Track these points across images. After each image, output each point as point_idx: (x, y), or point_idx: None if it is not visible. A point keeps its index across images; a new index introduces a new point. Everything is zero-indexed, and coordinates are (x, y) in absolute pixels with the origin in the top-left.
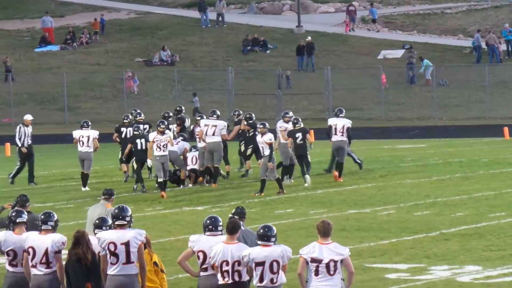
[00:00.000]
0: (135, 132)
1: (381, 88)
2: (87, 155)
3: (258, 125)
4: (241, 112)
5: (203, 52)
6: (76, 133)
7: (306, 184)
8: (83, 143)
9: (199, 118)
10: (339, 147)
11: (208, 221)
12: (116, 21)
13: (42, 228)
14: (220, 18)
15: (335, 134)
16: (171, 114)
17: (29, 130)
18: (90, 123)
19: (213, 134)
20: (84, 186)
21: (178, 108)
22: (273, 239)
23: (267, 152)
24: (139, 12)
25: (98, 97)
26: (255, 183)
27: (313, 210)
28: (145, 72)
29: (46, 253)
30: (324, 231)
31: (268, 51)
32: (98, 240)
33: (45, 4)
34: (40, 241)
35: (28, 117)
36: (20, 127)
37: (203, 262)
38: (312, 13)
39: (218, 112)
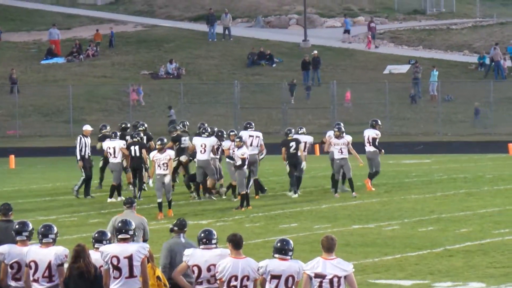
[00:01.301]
0: (134, 139)
1: (387, 103)
2: (114, 166)
3: (235, 139)
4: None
5: (209, 65)
6: (104, 145)
7: (295, 195)
8: (110, 154)
9: (232, 133)
10: (369, 157)
11: (202, 235)
12: (123, 33)
13: (43, 241)
14: (226, 32)
15: (365, 145)
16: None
17: (88, 141)
18: (118, 134)
19: (251, 145)
20: (110, 197)
21: (123, 125)
22: (290, 253)
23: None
24: (146, 25)
25: (103, 109)
26: (260, 198)
27: (318, 225)
28: (151, 85)
29: (49, 266)
30: (328, 246)
31: (274, 65)
32: (101, 253)
33: (52, 17)
34: (43, 254)
35: (88, 128)
36: (80, 138)
37: (198, 276)
38: (319, 27)
39: (253, 125)
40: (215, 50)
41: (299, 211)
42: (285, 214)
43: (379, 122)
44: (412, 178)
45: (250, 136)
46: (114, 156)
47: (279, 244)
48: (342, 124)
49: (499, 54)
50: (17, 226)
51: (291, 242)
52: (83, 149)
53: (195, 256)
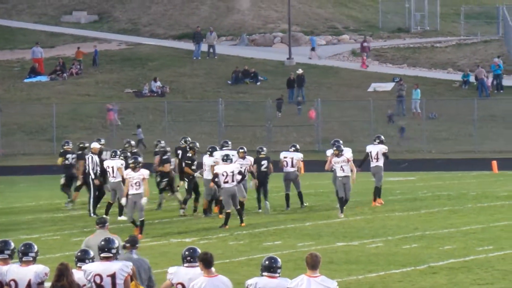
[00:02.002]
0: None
1: (371, 120)
2: (116, 185)
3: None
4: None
5: (193, 84)
6: (105, 163)
7: (265, 211)
8: (109, 174)
9: (242, 150)
10: (375, 172)
11: (186, 253)
12: (107, 52)
13: (23, 259)
14: (211, 50)
15: (371, 160)
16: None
17: (96, 158)
18: (118, 153)
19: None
20: (120, 215)
21: (81, 145)
22: (279, 271)
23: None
24: (130, 43)
25: (87, 128)
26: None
27: (302, 242)
28: (135, 103)
29: (29, 285)
30: (313, 263)
31: (258, 83)
32: (84, 272)
33: (35, 35)
34: (23, 273)
35: (96, 145)
36: (89, 157)
37: None
38: (303, 45)
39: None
40: (199, 68)
41: (283, 228)
42: (269, 232)
43: (380, 137)
44: (396, 195)
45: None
46: (113, 176)
47: (267, 262)
48: (341, 142)
49: (482, 72)
50: (23, 248)
51: (279, 260)
52: (95, 168)
53: (179, 274)
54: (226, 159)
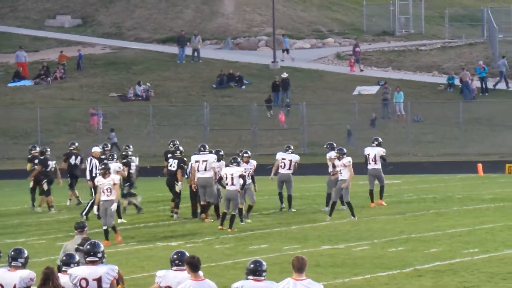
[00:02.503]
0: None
1: (356, 123)
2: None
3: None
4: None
5: (178, 87)
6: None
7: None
8: None
9: (246, 155)
10: (372, 174)
11: (175, 256)
12: (91, 56)
13: (12, 264)
14: (195, 54)
15: (369, 163)
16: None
17: (97, 162)
18: (115, 157)
19: (205, 170)
20: (119, 218)
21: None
22: (264, 274)
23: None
24: (114, 47)
25: (71, 132)
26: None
27: (287, 246)
28: (120, 107)
29: None
30: (299, 266)
31: (243, 87)
32: (70, 276)
33: (19, 39)
34: (9, 278)
35: (97, 149)
36: (91, 159)
37: None
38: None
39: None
40: (184, 72)
41: (268, 232)
42: (254, 235)
43: (379, 139)
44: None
45: (196, 161)
46: None
47: (252, 266)
48: (339, 148)
49: (467, 75)
50: (12, 253)
51: (264, 263)
52: (93, 171)
53: (167, 277)
54: (233, 162)
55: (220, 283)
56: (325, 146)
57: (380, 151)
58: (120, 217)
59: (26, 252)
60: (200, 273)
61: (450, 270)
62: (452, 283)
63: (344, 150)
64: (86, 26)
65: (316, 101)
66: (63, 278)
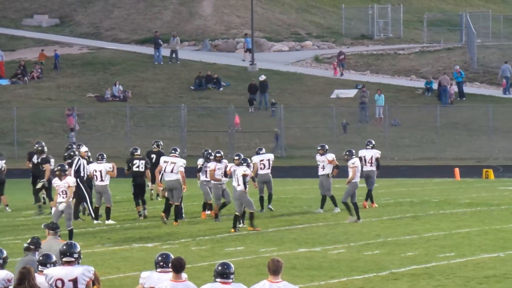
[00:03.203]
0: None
1: (334, 127)
2: (103, 189)
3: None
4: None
5: (155, 88)
6: (91, 167)
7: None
8: (96, 177)
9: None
10: (368, 176)
11: (159, 258)
12: (68, 56)
13: None
14: (173, 55)
15: (365, 164)
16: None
17: (85, 162)
18: (105, 156)
19: (171, 172)
20: (108, 219)
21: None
22: (232, 276)
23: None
24: (92, 48)
25: (48, 132)
26: (205, 220)
27: (264, 248)
28: (97, 107)
29: None
30: (274, 269)
31: (221, 89)
32: (46, 276)
33: None
34: None
35: (84, 149)
36: (78, 159)
37: None
38: (266, 51)
39: (179, 149)
40: (161, 73)
41: (245, 234)
42: (231, 237)
43: (372, 142)
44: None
45: (165, 161)
46: (101, 179)
47: (220, 268)
48: (321, 144)
49: (446, 79)
50: None
51: (232, 265)
52: (80, 171)
53: (151, 279)
54: (243, 162)
55: (196, 285)
56: (344, 154)
57: (376, 153)
58: (108, 218)
59: (5, 252)
60: (183, 275)
61: (426, 274)
62: (428, 287)
63: (327, 146)
64: (64, 26)
65: (294, 104)
66: (39, 278)
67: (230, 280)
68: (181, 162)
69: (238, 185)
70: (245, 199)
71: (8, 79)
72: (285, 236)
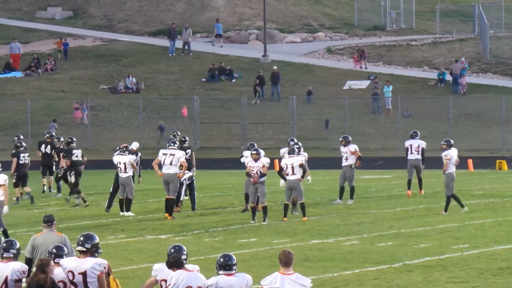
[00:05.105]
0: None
1: (346, 118)
2: (126, 180)
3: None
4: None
5: (168, 80)
6: (115, 159)
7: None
8: (120, 169)
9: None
10: (415, 164)
11: (172, 250)
12: (81, 48)
13: (4, 255)
14: (186, 47)
15: (411, 153)
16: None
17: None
18: (129, 148)
19: (170, 164)
20: (128, 211)
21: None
22: (234, 268)
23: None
24: (105, 40)
25: (61, 124)
26: (218, 211)
27: (277, 239)
28: (110, 99)
29: (5, 281)
30: (285, 260)
31: (233, 80)
32: (62, 267)
33: (10, 31)
34: (1, 269)
35: (136, 145)
36: (136, 155)
37: None
38: (279, 43)
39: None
40: (174, 65)
41: (258, 225)
42: (244, 229)
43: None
44: (371, 193)
45: (163, 154)
46: (125, 171)
47: (222, 260)
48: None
49: (459, 68)
50: (4, 244)
51: (234, 256)
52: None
53: (163, 271)
54: (292, 152)
55: (209, 276)
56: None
57: (423, 143)
58: (128, 210)
59: (18, 243)
60: (195, 266)
61: (440, 266)
62: (441, 278)
63: (350, 137)
64: (77, 18)
65: (306, 95)
66: (56, 270)
67: (233, 271)
68: (180, 153)
69: (294, 173)
70: (299, 189)
71: (22, 71)
72: (298, 228)
